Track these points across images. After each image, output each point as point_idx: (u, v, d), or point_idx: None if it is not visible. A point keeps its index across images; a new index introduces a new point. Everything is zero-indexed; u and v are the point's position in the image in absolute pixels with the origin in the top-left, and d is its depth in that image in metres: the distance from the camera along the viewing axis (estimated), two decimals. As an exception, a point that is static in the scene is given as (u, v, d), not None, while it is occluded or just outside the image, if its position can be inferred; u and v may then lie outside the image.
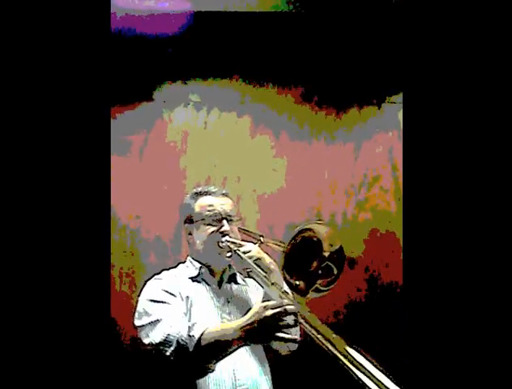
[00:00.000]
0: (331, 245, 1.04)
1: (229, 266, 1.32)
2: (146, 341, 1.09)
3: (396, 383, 0.61)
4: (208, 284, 1.27)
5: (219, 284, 1.28)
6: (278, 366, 1.26)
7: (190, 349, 0.99)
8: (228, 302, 1.24)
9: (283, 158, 2.00)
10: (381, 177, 1.99)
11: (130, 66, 2.03)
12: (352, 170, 2.00)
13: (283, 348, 1.22)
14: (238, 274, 1.35)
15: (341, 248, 1.03)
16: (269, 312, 0.90)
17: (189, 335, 1.01)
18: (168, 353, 1.03)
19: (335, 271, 1.02)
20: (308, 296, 1.02)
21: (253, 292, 1.31)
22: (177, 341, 1.02)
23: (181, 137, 2.01)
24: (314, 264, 1.04)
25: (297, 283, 1.03)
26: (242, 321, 0.96)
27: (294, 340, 0.94)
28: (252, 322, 0.93)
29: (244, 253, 1.20)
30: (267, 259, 1.20)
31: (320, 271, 1.03)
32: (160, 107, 2.04)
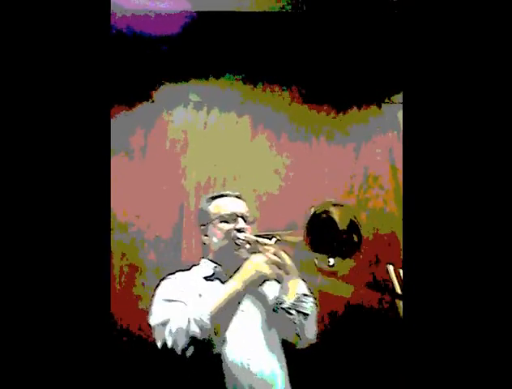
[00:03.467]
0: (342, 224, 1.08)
1: None
2: (158, 343, 1.10)
3: (396, 383, 0.61)
4: (223, 283, 1.26)
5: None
6: (294, 361, 1.25)
7: (208, 319, 1.02)
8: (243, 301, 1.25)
9: (283, 158, 2.00)
10: (381, 177, 1.99)
11: (130, 66, 2.03)
12: (352, 170, 2.00)
13: (302, 342, 1.22)
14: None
15: (352, 222, 1.07)
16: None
17: (201, 311, 1.04)
18: (183, 344, 1.02)
19: (356, 239, 1.06)
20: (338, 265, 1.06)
21: (268, 290, 1.31)
22: (194, 320, 1.03)
23: (181, 137, 2.01)
24: (335, 239, 1.08)
25: (330, 261, 1.06)
26: (241, 273, 1.10)
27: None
28: (247, 271, 1.09)
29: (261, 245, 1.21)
30: (284, 254, 1.20)
31: (342, 243, 1.07)
32: (160, 107, 2.04)
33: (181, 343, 1.03)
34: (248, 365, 1.13)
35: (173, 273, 1.30)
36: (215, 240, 1.31)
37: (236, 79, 2.06)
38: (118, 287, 1.84)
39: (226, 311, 1.06)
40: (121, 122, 1.99)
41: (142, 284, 1.85)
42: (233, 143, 2.00)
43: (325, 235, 1.07)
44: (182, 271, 1.33)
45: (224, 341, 1.09)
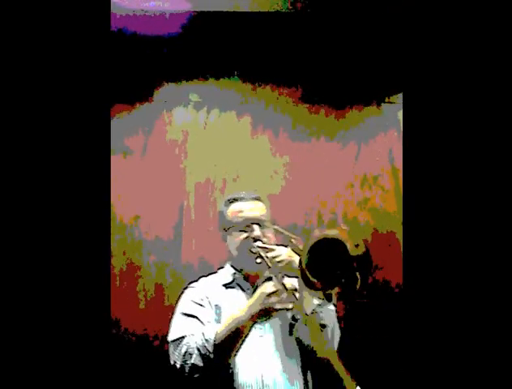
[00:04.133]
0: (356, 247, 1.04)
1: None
2: (171, 361, 1.13)
3: (396, 384, 0.61)
4: (243, 290, 1.28)
5: (255, 289, 1.24)
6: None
7: (210, 349, 1.04)
8: None
9: (283, 158, 2.00)
10: (381, 177, 1.98)
11: (130, 66, 2.03)
12: (352, 170, 1.99)
13: (321, 352, 1.19)
14: (274, 278, 1.34)
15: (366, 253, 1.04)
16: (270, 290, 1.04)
17: (206, 340, 1.06)
18: (189, 366, 1.06)
19: (359, 277, 1.01)
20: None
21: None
22: (197, 349, 1.06)
23: (181, 137, 2.01)
24: (339, 269, 1.03)
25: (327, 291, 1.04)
26: (248, 306, 1.07)
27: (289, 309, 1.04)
28: (255, 304, 1.05)
29: (273, 258, 1.18)
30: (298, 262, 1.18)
31: (345, 276, 1.03)
32: (160, 107, 2.04)
33: (188, 367, 1.06)
34: (262, 382, 1.12)
35: (197, 280, 1.32)
36: (232, 248, 1.30)
37: (236, 79, 2.06)
38: (118, 287, 1.83)
39: (232, 341, 1.06)
40: (121, 122, 1.99)
41: (142, 284, 1.85)
42: (233, 143, 2.00)
43: (328, 261, 1.03)
44: (207, 275, 1.35)
45: (233, 366, 1.10)
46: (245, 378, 1.12)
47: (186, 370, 1.07)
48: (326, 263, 1.04)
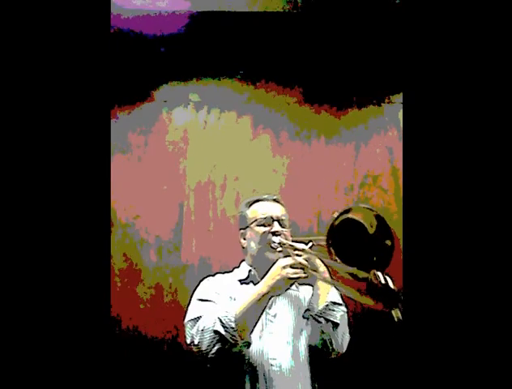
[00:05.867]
0: (371, 226, 1.02)
1: None
2: (188, 340, 1.16)
3: (396, 384, 0.61)
4: None
5: None
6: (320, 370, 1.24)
7: (232, 318, 1.07)
8: (275, 305, 1.27)
9: (283, 158, 2.00)
10: (381, 177, 1.98)
11: (130, 66, 2.03)
12: (352, 170, 1.99)
13: (330, 352, 1.20)
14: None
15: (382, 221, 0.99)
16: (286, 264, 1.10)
17: (226, 311, 1.10)
18: (207, 342, 1.09)
19: (389, 243, 0.94)
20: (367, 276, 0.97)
21: (303, 297, 1.33)
22: (218, 318, 1.09)
23: (181, 137, 2.01)
24: (364, 246, 0.98)
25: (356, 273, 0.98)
26: (265, 279, 1.13)
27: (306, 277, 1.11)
28: (272, 275, 1.11)
29: (295, 249, 1.20)
30: (318, 260, 1.19)
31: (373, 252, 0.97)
32: (160, 107, 2.04)
33: (207, 341, 1.09)
34: (272, 369, 1.15)
35: (213, 275, 1.35)
36: (251, 243, 1.33)
37: (236, 79, 2.06)
38: (118, 287, 1.83)
39: (251, 313, 1.10)
40: (121, 122, 1.99)
41: (142, 284, 1.85)
42: (233, 143, 2.00)
43: (353, 242, 1.00)
44: (223, 273, 1.38)
45: (249, 344, 1.13)
46: (254, 361, 1.15)
47: (204, 347, 1.09)
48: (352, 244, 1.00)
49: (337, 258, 0.98)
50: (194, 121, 2.03)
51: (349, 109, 2.04)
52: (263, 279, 1.14)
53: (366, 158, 2.00)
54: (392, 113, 2.04)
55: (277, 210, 1.35)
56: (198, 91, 2.06)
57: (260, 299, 1.10)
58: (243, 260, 1.40)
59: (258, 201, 1.38)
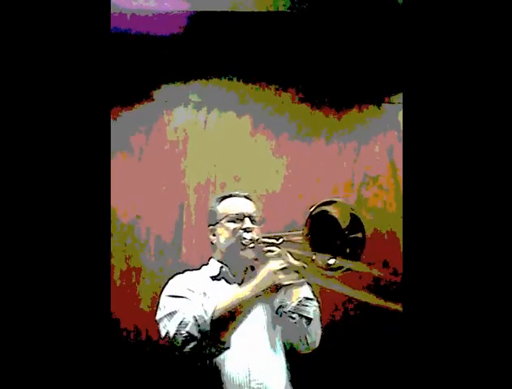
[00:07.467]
0: (344, 222, 1.06)
1: (251, 267, 1.32)
2: (162, 334, 1.13)
3: (396, 384, 0.61)
4: (229, 283, 1.29)
5: (240, 284, 1.28)
6: (295, 364, 1.26)
7: (207, 321, 1.04)
8: None
9: (283, 158, 2.00)
10: (380, 176, 1.99)
11: (130, 66, 2.03)
12: (352, 170, 1.99)
13: (304, 347, 1.22)
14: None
15: (355, 217, 1.05)
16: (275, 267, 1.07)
17: (204, 310, 1.06)
18: (182, 338, 1.06)
19: (360, 236, 1.04)
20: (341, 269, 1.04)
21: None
22: (194, 317, 1.06)
23: (181, 137, 2.01)
24: (338, 241, 1.06)
25: (330, 262, 1.04)
26: (254, 284, 1.08)
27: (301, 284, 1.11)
28: (263, 281, 1.07)
29: (266, 246, 1.20)
30: (289, 256, 1.17)
31: (346, 244, 1.05)
32: (160, 107, 2.04)
33: (181, 337, 1.06)
34: (248, 370, 1.13)
35: (182, 273, 1.32)
36: (222, 240, 1.31)
37: (236, 79, 2.06)
38: (118, 287, 1.83)
39: (230, 317, 1.07)
40: (121, 122, 1.99)
41: (143, 284, 1.85)
42: (233, 143, 2.00)
43: (327, 234, 1.05)
44: (191, 270, 1.35)
45: (228, 347, 1.09)
46: (232, 367, 1.13)
47: (179, 340, 1.06)
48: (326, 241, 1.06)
49: (310, 248, 1.02)
50: (194, 121, 2.03)
51: (349, 109, 2.04)
52: (250, 284, 1.10)
53: (366, 158, 2.00)
54: (392, 113, 2.04)
55: (248, 206, 1.33)
56: (198, 91, 2.06)
57: (244, 304, 1.07)
58: (211, 257, 1.38)
59: (228, 197, 1.36)
